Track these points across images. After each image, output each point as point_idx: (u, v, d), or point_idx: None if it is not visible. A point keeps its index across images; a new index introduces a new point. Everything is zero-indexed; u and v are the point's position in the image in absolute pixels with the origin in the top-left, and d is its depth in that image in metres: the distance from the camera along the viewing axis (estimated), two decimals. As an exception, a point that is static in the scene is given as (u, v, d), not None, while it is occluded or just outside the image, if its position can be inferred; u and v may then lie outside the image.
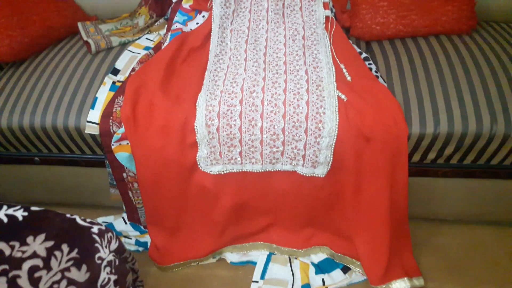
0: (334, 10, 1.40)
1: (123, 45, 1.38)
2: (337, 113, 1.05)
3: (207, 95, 1.09)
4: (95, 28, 1.44)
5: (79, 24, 1.44)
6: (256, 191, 1.16)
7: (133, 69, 1.22)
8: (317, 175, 1.10)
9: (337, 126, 1.04)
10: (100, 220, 1.40)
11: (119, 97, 1.15)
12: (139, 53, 1.32)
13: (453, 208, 1.28)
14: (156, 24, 1.43)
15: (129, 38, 1.39)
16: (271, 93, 1.09)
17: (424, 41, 1.31)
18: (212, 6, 1.32)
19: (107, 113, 1.13)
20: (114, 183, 1.22)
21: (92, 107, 1.16)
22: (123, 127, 1.08)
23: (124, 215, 1.37)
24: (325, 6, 1.33)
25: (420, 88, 1.13)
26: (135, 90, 1.12)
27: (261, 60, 1.18)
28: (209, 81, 1.14)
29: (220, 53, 1.23)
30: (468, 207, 1.27)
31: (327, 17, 1.32)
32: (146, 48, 1.36)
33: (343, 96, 1.08)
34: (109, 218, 1.40)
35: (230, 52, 1.23)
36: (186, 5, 1.36)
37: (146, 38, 1.41)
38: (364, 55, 1.24)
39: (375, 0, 1.32)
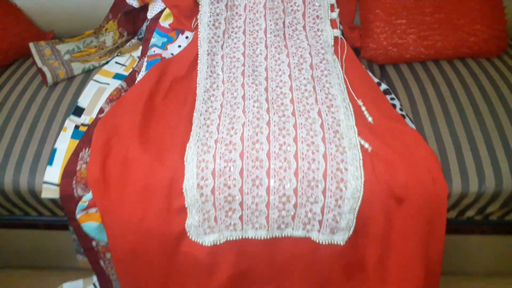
0: (341, 26, 1.19)
1: (88, 72, 1.14)
2: (362, 168, 0.86)
3: (198, 147, 0.88)
4: (51, 50, 1.18)
5: (31, 46, 1.19)
6: (259, 259, 0.95)
7: (101, 110, 0.99)
8: (336, 243, 0.90)
9: (362, 185, 0.85)
10: (66, 286, 1.16)
11: (84, 149, 0.92)
12: (108, 84, 1.09)
13: (485, 263, 1.12)
14: (127, 44, 1.19)
15: (94, 63, 1.15)
16: (278, 143, 0.88)
17: (448, 66, 1.13)
18: (197, 25, 1.09)
19: (69, 172, 0.90)
20: (82, 250, 0.99)
21: (50, 162, 0.92)
22: (91, 191, 0.85)
23: (95, 279, 1.15)
24: (333, 24, 1.13)
25: (455, 131, 0.95)
26: (104, 141, 0.89)
27: (263, 98, 0.97)
28: (199, 126, 0.92)
29: (210, 88, 1.01)
30: (502, 262, 1.11)
31: (336, 38, 1.12)
32: (117, 76, 1.12)
33: (366, 145, 0.89)
34: (78, 284, 1.17)
35: (223, 86, 1.01)
36: (165, 23, 1.13)
37: (116, 62, 1.17)
38: (383, 86, 1.05)
39: (391, 17, 1.13)
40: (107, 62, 1.16)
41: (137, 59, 1.16)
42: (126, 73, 1.13)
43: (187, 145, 0.89)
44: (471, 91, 1.04)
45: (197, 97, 0.98)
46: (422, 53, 1.13)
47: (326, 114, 0.93)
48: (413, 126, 0.96)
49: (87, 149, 0.91)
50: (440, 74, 1.10)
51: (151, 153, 0.88)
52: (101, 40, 1.24)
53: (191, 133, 0.91)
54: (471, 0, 1.10)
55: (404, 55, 1.14)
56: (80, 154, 0.91)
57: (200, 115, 0.94)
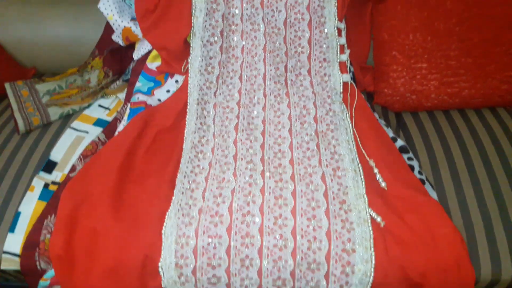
0: (352, 68, 1.09)
1: (67, 117, 1.05)
2: (372, 249, 0.74)
3: (178, 218, 0.77)
4: (29, 91, 1.10)
5: (7, 86, 1.11)
6: None
7: (73, 168, 0.89)
8: (341, 334, 0.78)
9: (373, 270, 0.73)
10: None
11: (50, 216, 0.82)
12: (87, 132, 1.00)
13: None
14: (112, 86, 1.11)
15: (74, 107, 1.06)
16: (273, 215, 0.77)
17: (476, 117, 1.01)
18: (188, 69, 1.00)
19: (32, 243, 0.80)
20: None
21: (12, 228, 0.83)
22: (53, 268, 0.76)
23: None
24: (342, 68, 1.02)
25: (484, 202, 0.83)
26: (72, 208, 0.79)
27: (257, 158, 0.87)
28: (182, 191, 0.82)
29: (199, 143, 0.91)
30: None
31: (345, 84, 1.01)
32: (98, 122, 1.03)
33: (378, 219, 0.77)
34: None
35: (213, 141, 0.91)
36: (152, 65, 1.04)
37: (99, 106, 1.08)
38: (400, 142, 0.94)
39: (410, 61, 1.02)
40: (89, 105, 1.07)
41: (123, 101, 1.07)
42: (109, 118, 1.04)
43: (167, 214, 0.78)
44: (503, 149, 0.92)
45: (182, 155, 0.88)
46: (445, 102, 1.02)
47: (331, 180, 0.82)
48: (434, 194, 0.84)
49: (53, 216, 0.82)
50: (466, 127, 0.99)
51: (124, 223, 0.78)
52: (86, 79, 1.16)
53: (172, 199, 0.81)
54: (502, 43, 0.99)
55: (424, 103, 1.03)
56: (45, 222, 0.82)
57: (184, 177, 0.84)
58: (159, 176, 0.86)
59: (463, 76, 1.00)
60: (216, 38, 1.00)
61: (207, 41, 1.00)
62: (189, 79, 0.98)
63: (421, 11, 1.02)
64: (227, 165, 0.86)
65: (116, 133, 0.96)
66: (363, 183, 0.82)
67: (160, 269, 0.75)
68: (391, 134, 0.95)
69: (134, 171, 0.87)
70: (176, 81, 1.02)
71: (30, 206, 0.85)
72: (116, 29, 1.03)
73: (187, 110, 0.96)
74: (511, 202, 0.82)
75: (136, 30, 1.02)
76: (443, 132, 0.98)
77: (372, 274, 0.74)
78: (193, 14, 0.99)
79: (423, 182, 0.86)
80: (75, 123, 1.01)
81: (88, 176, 0.84)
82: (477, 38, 1.00)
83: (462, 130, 0.98)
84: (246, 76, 1.00)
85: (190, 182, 0.83)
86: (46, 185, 0.89)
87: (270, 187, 0.81)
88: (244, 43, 1.02)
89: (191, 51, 1.00)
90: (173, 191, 0.82)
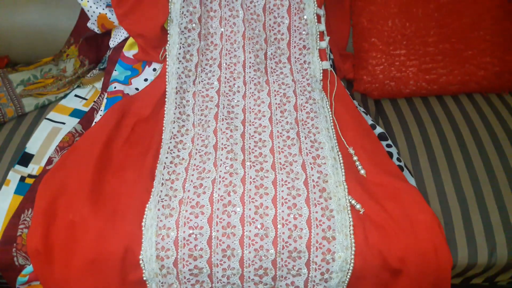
0: (332, 55, 1.08)
1: (42, 108, 1.02)
2: (352, 236, 0.75)
3: (158, 209, 0.77)
4: (2, 81, 1.07)
5: (-21, 76, 1.07)
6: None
7: (49, 160, 0.87)
8: (322, 320, 0.80)
9: (353, 256, 0.74)
10: None
11: (27, 210, 0.80)
12: (64, 123, 0.98)
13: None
14: (89, 75, 1.08)
15: (50, 97, 1.04)
16: (254, 205, 0.77)
17: (453, 103, 1.03)
18: (166, 56, 0.98)
19: (8, 238, 0.79)
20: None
21: (-13, 224, 0.81)
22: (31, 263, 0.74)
23: None
24: (322, 55, 1.02)
25: (461, 188, 0.85)
26: (49, 201, 0.77)
27: (238, 147, 0.86)
28: (162, 182, 0.81)
29: (178, 133, 0.90)
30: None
31: (325, 71, 1.01)
32: (75, 113, 1.01)
33: (358, 206, 0.78)
34: None
35: (193, 130, 0.90)
36: (129, 53, 1.01)
37: (76, 95, 1.06)
38: (379, 129, 0.94)
39: (389, 47, 1.02)
40: (65, 96, 1.05)
41: (100, 90, 1.05)
42: (86, 109, 1.02)
43: (147, 206, 0.78)
44: (479, 136, 0.94)
45: (162, 145, 0.87)
46: (423, 88, 1.03)
47: (312, 168, 0.82)
48: (412, 180, 0.85)
49: (30, 210, 0.80)
50: (443, 113, 1.00)
51: (103, 216, 0.77)
52: (61, 68, 1.13)
53: (152, 190, 0.80)
54: (480, 28, 1.00)
55: (403, 90, 1.04)
56: (22, 216, 0.80)
57: (164, 168, 0.83)
58: (138, 167, 0.85)
59: (441, 62, 1.01)
60: (194, 25, 0.98)
61: (185, 27, 0.98)
62: (167, 67, 0.96)
63: (400, -4, 1.02)
64: (208, 155, 0.85)
65: (94, 123, 0.94)
66: (343, 170, 0.83)
67: (141, 261, 0.75)
68: (370, 121, 0.96)
69: (112, 162, 0.85)
70: (154, 69, 1.00)
71: (6, 201, 0.83)
72: (91, 16, 1.00)
73: (166, 99, 0.94)
74: (487, 187, 0.84)
75: (112, 17, 0.99)
76: (421, 118, 0.99)
77: (352, 261, 0.75)
78: (170, 1, 0.97)
79: (401, 168, 0.87)
80: (51, 114, 0.99)
81: (65, 168, 0.82)
82: (455, 23, 1.01)
83: (440, 117, 0.99)
84: (226, 63, 0.99)
85: (170, 173, 0.82)
86: (22, 179, 0.87)
87: (251, 177, 0.81)
88: (223, 29, 1.00)
89: (168, 38, 0.97)
90: (152, 183, 0.81)
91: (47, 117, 0.98)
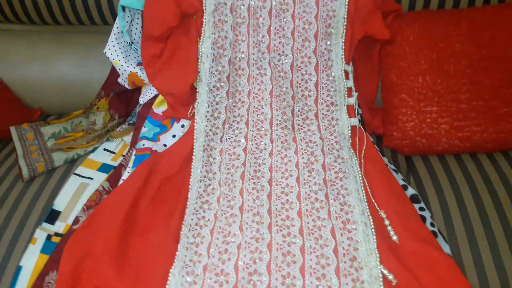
0: (360, 110, 1.06)
1: (72, 162, 1.03)
2: (384, 310, 0.71)
3: (182, 276, 0.74)
4: (34, 134, 1.09)
5: (12, 130, 1.10)
6: None
7: (76, 219, 0.87)
8: None
9: (384, 333, 0.70)
10: None
11: (51, 272, 0.79)
12: (91, 179, 0.98)
13: None
14: (118, 129, 1.09)
15: (79, 151, 1.05)
16: (281, 274, 0.74)
17: (488, 161, 0.98)
18: (194, 113, 0.98)
19: (32, 300, 0.77)
20: None
21: (12, 284, 0.80)
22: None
23: None
24: (350, 111, 1.00)
25: (500, 258, 0.79)
26: (74, 265, 0.76)
27: (264, 209, 0.84)
28: (186, 247, 0.79)
29: (204, 192, 0.88)
30: None
31: (353, 128, 0.98)
32: (103, 167, 1.01)
33: (390, 277, 0.73)
34: None
35: (219, 189, 0.89)
36: (158, 110, 1.02)
37: (104, 149, 1.06)
38: (411, 191, 0.90)
39: (420, 104, 1.00)
40: (94, 149, 1.06)
41: (129, 145, 1.05)
42: (114, 163, 1.03)
43: (170, 271, 0.75)
44: (518, 198, 0.88)
45: (187, 206, 0.85)
46: (456, 146, 0.99)
47: (342, 234, 0.79)
48: (447, 248, 0.81)
49: (54, 272, 0.79)
50: (478, 172, 0.95)
51: (127, 281, 0.75)
52: (91, 120, 1.15)
53: (177, 254, 0.78)
54: (514, 84, 0.96)
55: (435, 147, 1.00)
56: (47, 278, 0.79)
57: (189, 230, 0.81)
58: (164, 228, 0.83)
59: (475, 119, 0.97)
60: (222, 83, 0.99)
61: (214, 86, 0.98)
62: (195, 124, 0.96)
63: (430, 52, 1.00)
64: (233, 217, 0.83)
65: (121, 181, 0.93)
66: (374, 237, 0.79)
67: (163, 331, 0.72)
68: (401, 181, 0.92)
69: (138, 223, 0.84)
70: (182, 126, 1.01)
71: (32, 260, 0.83)
72: (122, 73, 1.02)
73: (193, 156, 0.93)
74: (528, 257, 0.79)
75: (143, 75, 1.00)
76: (454, 178, 0.95)
77: (384, 338, 0.70)
78: (199, 60, 0.98)
79: (435, 234, 0.82)
80: (80, 169, 1.00)
81: (91, 229, 0.82)
82: (488, 80, 0.97)
83: (475, 176, 0.94)
84: (253, 121, 0.98)
85: (195, 236, 0.80)
86: (48, 237, 0.86)
87: (277, 243, 0.78)
88: (250, 87, 1.00)
89: (197, 96, 0.98)
90: (177, 245, 0.79)
91: (76, 172, 0.99)
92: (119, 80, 1.07)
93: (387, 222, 0.82)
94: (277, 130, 0.97)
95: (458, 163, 0.99)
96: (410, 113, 1.00)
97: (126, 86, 1.05)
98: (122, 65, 1.00)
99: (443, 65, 0.99)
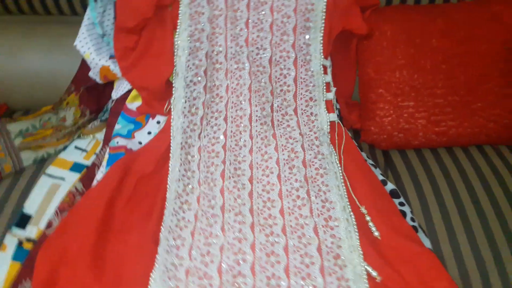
0: (338, 105, 1.06)
1: (41, 162, 0.98)
2: (369, 307, 0.71)
3: (163, 280, 0.72)
4: (0, 132, 1.02)
5: (-25, 128, 1.03)
6: None
7: (49, 224, 0.82)
8: None
9: (369, 330, 0.70)
10: None
11: (25, 280, 0.75)
12: (63, 179, 0.93)
13: None
14: (90, 126, 1.04)
15: (49, 149, 0.99)
16: (266, 275, 0.73)
17: (464, 155, 1.00)
18: (170, 109, 0.94)
19: (3, 311, 0.73)
20: None
21: (-19, 294, 0.75)
22: None
23: None
24: (329, 106, 0.99)
25: (479, 249, 0.81)
26: (49, 272, 0.72)
27: (246, 208, 0.82)
28: (167, 250, 0.76)
29: (183, 192, 0.85)
30: None
31: (332, 123, 0.97)
32: (75, 167, 0.96)
33: (374, 273, 0.73)
34: None
35: (199, 189, 0.86)
36: (132, 105, 0.98)
37: (76, 147, 1.01)
38: (390, 186, 0.91)
39: (397, 99, 1.00)
40: (65, 148, 1.01)
41: (101, 142, 1.01)
42: (86, 162, 0.98)
43: (151, 276, 0.73)
44: (492, 190, 0.90)
45: (166, 206, 0.82)
46: (433, 140, 1.00)
47: (324, 232, 0.78)
48: (428, 242, 0.81)
49: (28, 281, 0.75)
50: (454, 166, 0.97)
51: (106, 285, 0.72)
52: (61, 117, 1.09)
53: (157, 257, 0.75)
54: (488, 80, 0.98)
55: (412, 141, 1.01)
56: (19, 287, 0.75)
57: (169, 232, 0.78)
58: (142, 230, 0.80)
59: (450, 114, 0.98)
60: (199, 78, 0.95)
61: (191, 81, 0.95)
62: (171, 121, 0.93)
63: (407, 48, 1.01)
64: (214, 217, 0.80)
65: (95, 181, 0.89)
66: (357, 233, 0.78)
67: (145, 337, 0.70)
68: (380, 176, 0.92)
69: (115, 224, 0.80)
70: (158, 122, 0.97)
71: (2, 269, 0.77)
72: (94, 67, 0.97)
73: (170, 154, 0.90)
74: (505, 250, 0.80)
75: (115, 69, 0.96)
76: (432, 172, 0.96)
77: (369, 335, 0.70)
78: (175, 54, 0.94)
79: (416, 229, 0.83)
80: (50, 169, 0.94)
81: (66, 234, 0.77)
82: (463, 75, 0.99)
83: (451, 170, 0.96)
84: (232, 117, 0.95)
85: (175, 238, 0.78)
86: (19, 243, 0.81)
87: (260, 243, 0.76)
88: (228, 82, 0.97)
89: (173, 92, 0.94)
90: (156, 248, 0.77)
91: (46, 172, 0.94)
92: (90, 74, 1.01)
93: (368, 218, 0.82)
94: (256, 126, 0.94)
95: (435, 157, 1.00)
96: (388, 108, 1.01)
97: (98, 80, 1.00)
98: (93, 58, 0.95)
99: (420, 60, 1.00)
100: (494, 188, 0.91)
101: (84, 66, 1.09)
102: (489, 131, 0.98)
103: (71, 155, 0.99)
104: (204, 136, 0.94)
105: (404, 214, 0.86)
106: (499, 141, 1.01)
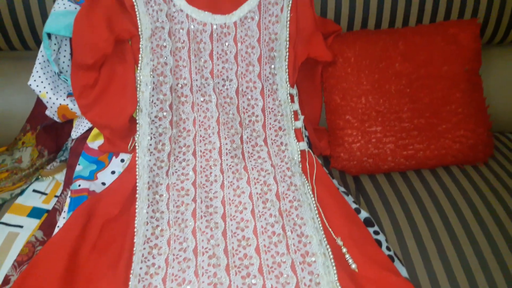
0: (307, 132, 1.04)
1: (-4, 208, 0.91)
2: None
3: (135, 335, 0.67)
4: (-51, 178, 0.95)
5: None
6: None
7: (6, 279, 0.75)
8: None
9: None
10: None
11: None
12: (21, 227, 0.86)
13: None
14: (49, 167, 0.98)
15: (5, 195, 0.92)
16: (243, 320, 0.69)
17: (432, 177, 1.00)
18: (135, 146, 0.90)
19: None
20: None
21: None
22: None
23: None
24: (298, 135, 0.97)
25: (454, 277, 0.80)
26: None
27: (220, 249, 0.78)
28: (137, 299, 0.71)
29: (152, 235, 0.81)
30: None
31: (303, 152, 0.96)
32: (33, 212, 0.90)
33: (354, 309, 0.71)
34: None
35: (169, 231, 0.81)
36: (93, 144, 0.93)
37: (34, 190, 0.95)
38: (364, 214, 0.89)
39: (364, 124, 1.00)
40: (22, 192, 0.94)
41: (62, 184, 0.95)
42: (46, 206, 0.91)
43: (121, 331, 0.68)
44: (462, 211, 0.91)
45: (134, 252, 0.77)
46: (402, 164, 1.00)
47: (302, 269, 0.75)
48: (404, 271, 0.80)
49: None
50: (424, 189, 0.97)
51: None
52: (16, 158, 1.02)
53: (128, 310, 0.70)
54: (451, 102, 0.99)
55: (381, 166, 1.01)
56: None
57: (139, 281, 0.73)
58: (110, 279, 0.74)
59: (417, 137, 0.99)
60: (165, 113, 0.92)
61: (156, 116, 0.91)
62: (137, 159, 0.88)
63: (371, 73, 1.01)
64: (187, 261, 0.76)
65: (57, 228, 0.83)
66: (334, 268, 0.76)
67: None
68: (353, 204, 0.91)
69: (80, 276, 0.75)
70: (122, 160, 0.92)
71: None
72: (51, 107, 0.92)
73: (137, 195, 0.85)
74: (478, 273, 0.80)
75: (74, 107, 0.91)
76: (402, 196, 0.95)
77: None
78: (138, 89, 0.90)
79: (392, 259, 0.82)
80: (6, 217, 0.87)
81: (27, 285, 0.71)
82: (427, 98, 1.00)
83: (421, 193, 0.96)
84: (201, 151, 0.92)
85: (145, 286, 0.73)
86: (-27, 302, 0.74)
87: (237, 286, 0.73)
88: (195, 115, 0.94)
89: (138, 128, 0.90)
90: (126, 296, 0.72)
91: (2, 220, 0.86)
92: (47, 112, 0.96)
93: (344, 250, 0.80)
94: (227, 159, 0.91)
95: (404, 180, 1.00)
96: (356, 134, 1.00)
97: (56, 119, 0.95)
98: (50, 98, 0.90)
99: (385, 85, 1.00)
100: (463, 208, 0.91)
101: (39, 104, 1.04)
102: (455, 152, 0.99)
103: (29, 199, 0.93)
104: (173, 173, 0.90)
105: (379, 243, 0.84)
106: (465, 162, 1.02)
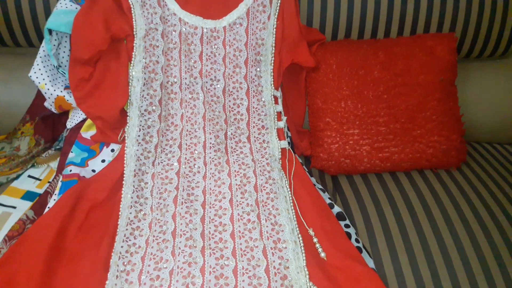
0: (289, 133, 1.10)
1: (-8, 191, 0.97)
2: (314, 326, 0.72)
3: (113, 305, 0.71)
4: (-50, 162, 1.01)
5: None
6: None
7: (-4, 252, 0.81)
8: None
9: None
10: None
11: (-34, 311, 0.73)
12: (15, 207, 0.92)
13: None
14: (44, 154, 1.04)
15: (1, 178, 0.98)
16: (214, 297, 0.74)
17: (407, 180, 1.05)
18: (125, 137, 0.96)
19: None
20: None
21: None
22: None
23: None
24: (280, 134, 1.03)
25: (419, 270, 0.84)
26: (-7, 300, 0.71)
27: (197, 233, 0.83)
28: (116, 275, 0.76)
29: (135, 218, 0.86)
30: None
31: (283, 150, 1.01)
32: (27, 195, 0.95)
33: (319, 292, 0.76)
34: None
35: (151, 215, 0.87)
36: (86, 134, 0.99)
37: (29, 176, 1.01)
38: (336, 209, 0.94)
39: (343, 127, 1.05)
40: (18, 176, 1.00)
41: (55, 171, 1.01)
42: (39, 190, 0.97)
43: (100, 304, 0.72)
44: (432, 212, 0.95)
45: (117, 233, 0.83)
46: (377, 165, 1.05)
47: (273, 254, 0.80)
48: (371, 262, 0.85)
49: (-31, 311, 0.73)
50: (397, 190, 1.01)
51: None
52: (15, 146, 1.08)
53: (106, 283, 0.75)
54: (426, 109, 1.05)
55: (358, 167, 1.06)
56: (-39, 318, 0.73)
57: (119, 258, 0.78)
58: (93, 257, 0.80)
59: (393, 141, 1.04)
60: (154, 107, 0.98)
61: (145, 110, 0.97)
62: (125, 149, 0.94)
63: (351, 80, 1.07)
64: (165, 242, 0.81)
65: (47, 209, 0.89)
66: (304, 255, 0.81)
67: None
68: (328, 200, 0.96)
69: (65, 253, 0.80)
70: (112, 150, 0.98)
71: None
72: (49, 97, 0.98)
73: (123, 182, 0.91)
74: (442, 268, 0.84)
75: (70, 99, 0.97)
76: (377, 196, 1.00)
77: None
78: (130, 84, 0.97)
79: (360, 250, 0.86)
80: (1, 198, 0.93)
81: (14, 262, 0.76)
82: (403, 105, 1.05)
83: (395, 194, 1.00)
84: (186, 144, 0.98)
85: (125, 264, 0.78)
86: (-35, 273, 0.79)
87: (210, 266, 0.78)
88: (183, 111, 1.01)
89: (128, 121, 0.96)
90: (107, 274, 0.76)
91: (-3, 201, 0.93)
92: (46, 104, 1.02)
93: (315, 240, 0.85)
94: (210, 153, 0.97)
95: (380, 182, 1.05)
96: (335, 135, 1.06)
97: (53, 110, 1.01)
98: (48, 89, 0.97)
99: (363, 91, 1.06)
100: (433, 210, 0.96)
101: (39, 96, 1.11)
102: (428, 156, 1.05)
103: (24, 183, 0.99)
104: (158, 163, 0.95)
105: (349, 235, 0.89)
106: (438, 166, 1.07)
